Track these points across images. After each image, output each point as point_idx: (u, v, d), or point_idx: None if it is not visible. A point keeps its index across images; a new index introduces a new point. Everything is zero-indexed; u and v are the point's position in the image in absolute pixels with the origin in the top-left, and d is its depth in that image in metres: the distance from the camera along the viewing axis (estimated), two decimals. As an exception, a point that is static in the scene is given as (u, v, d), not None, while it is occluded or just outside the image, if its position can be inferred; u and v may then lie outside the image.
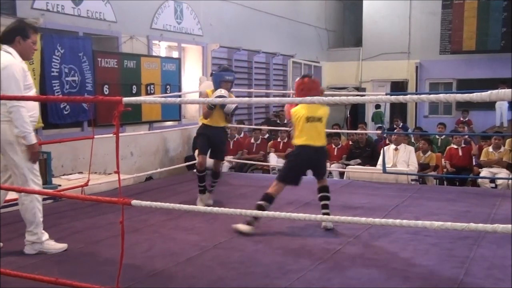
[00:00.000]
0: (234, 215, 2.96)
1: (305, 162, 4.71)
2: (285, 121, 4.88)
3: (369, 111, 15.93)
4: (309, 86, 4.66)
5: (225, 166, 9.30)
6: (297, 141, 4.67)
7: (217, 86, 5.38)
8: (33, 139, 3.76)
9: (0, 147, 3.81)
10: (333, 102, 3.04)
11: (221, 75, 5.42)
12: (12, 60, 3.75)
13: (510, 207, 5.34)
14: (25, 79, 3.81)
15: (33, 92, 3.96)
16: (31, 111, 3.84)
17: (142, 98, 7.58)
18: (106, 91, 7.93)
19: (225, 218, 4.91)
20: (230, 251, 4.05)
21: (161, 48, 9.95)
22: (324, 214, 4.60)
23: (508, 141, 8.62)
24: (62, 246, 4.06)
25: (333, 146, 9.46)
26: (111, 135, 3.23)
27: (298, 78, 4.86)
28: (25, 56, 3.91)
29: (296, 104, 4.67)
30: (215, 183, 5.83)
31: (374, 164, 8.22)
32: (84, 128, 7.73)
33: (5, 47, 3.82)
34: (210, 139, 5.55)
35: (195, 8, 10.26)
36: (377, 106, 15.11)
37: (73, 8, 7.55)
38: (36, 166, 3.94)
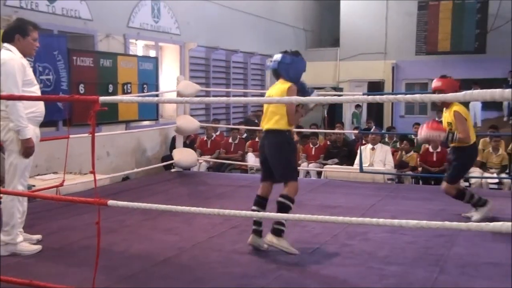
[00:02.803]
0: (212, 215, 2.95)
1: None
2: (448, 137, 4.73)
3: (346, 111, 16.06)
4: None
5: (203, 165, 9.28)
6: (473, 138, 4.76)
7: (299, 77, 4.07)
8: (27, 134, 3.79)
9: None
10: (312, 102, 3.07)
11: (304, 64, 4.10)
12: (11, 56, 3.78)
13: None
14: (25, 75, 3.85)
15: (36, 87, 3.99)
16: (30, 108, 3.87)
17: (119, 97, 7.51)
18: (81, 90, 7.83)
19: (203, 218, 4.89)
20: (208, 251, 4.04)
21: (138, 47, 9.87)
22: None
23: (481, 141, 8.78)
24: (36, 247, 3.99)
25: (311, 146, 9.51)
26: (87, 134, 3.20)
27: (448, 78, 4.91)
28: (26, 53, 3.95)
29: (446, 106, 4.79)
30: None
31: (351, 164, 8.29)
32: (59, 127, 7.62)
33: (6, 45, 3.87)
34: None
35: (173, 6, 10.19)
36: (358, 106, 15.28)
37: (47, 6, 7.43)
38: (28, 168, 3.98)
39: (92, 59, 8.08)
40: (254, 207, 4.05)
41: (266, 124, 3.98)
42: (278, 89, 3.97)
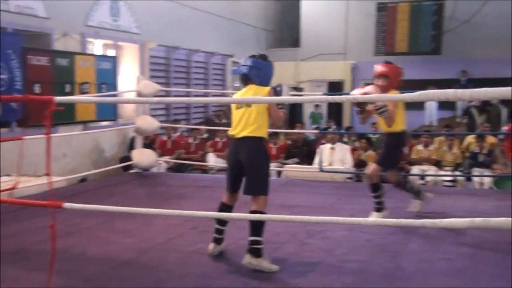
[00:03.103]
0: (172, 216, 2.93)
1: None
2: (381, 107, 4.52)
3: (306, 111, 16.21)
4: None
5: (163, 166, 9.19)
6: (401, 127, 4.79)
7: (269, 82, 3.90)
8: None
9: None
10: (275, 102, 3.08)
11: (273, 68, 3.93)
12: None
13: (437, 203, 5.58)
14: None
15: None
16: None
17: (75, 97, 7.35)
18: (37, 90, 7.62)
19: (163, 219, 4.84)
20: (167, 253, 4.00)
21: (97, 46, 9.69)
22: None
23: (436, 139, 9.02)
24: (-11, 252, 3.87)
25: (272, 145, 9.54)
26: (42, 135, 3.12)
27: (393, 64, 4.94)
28: None
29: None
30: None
31: (311, 163, 8.36)
32: (13, 128, 7.40)
33: None
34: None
35: (132, 5, 10.04)
36: (317, 106, 15.45)
37: (1, 3, 7.20)
38: None
39: (48, 58, 7.87)
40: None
41: (242, 131, 3.70)
42: (255, 94, 3.73)
